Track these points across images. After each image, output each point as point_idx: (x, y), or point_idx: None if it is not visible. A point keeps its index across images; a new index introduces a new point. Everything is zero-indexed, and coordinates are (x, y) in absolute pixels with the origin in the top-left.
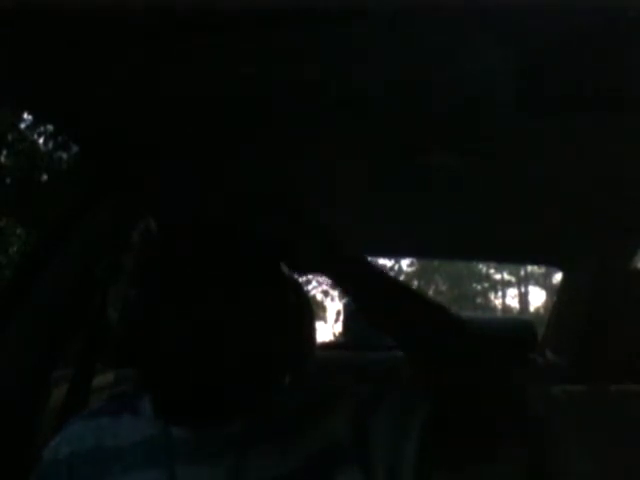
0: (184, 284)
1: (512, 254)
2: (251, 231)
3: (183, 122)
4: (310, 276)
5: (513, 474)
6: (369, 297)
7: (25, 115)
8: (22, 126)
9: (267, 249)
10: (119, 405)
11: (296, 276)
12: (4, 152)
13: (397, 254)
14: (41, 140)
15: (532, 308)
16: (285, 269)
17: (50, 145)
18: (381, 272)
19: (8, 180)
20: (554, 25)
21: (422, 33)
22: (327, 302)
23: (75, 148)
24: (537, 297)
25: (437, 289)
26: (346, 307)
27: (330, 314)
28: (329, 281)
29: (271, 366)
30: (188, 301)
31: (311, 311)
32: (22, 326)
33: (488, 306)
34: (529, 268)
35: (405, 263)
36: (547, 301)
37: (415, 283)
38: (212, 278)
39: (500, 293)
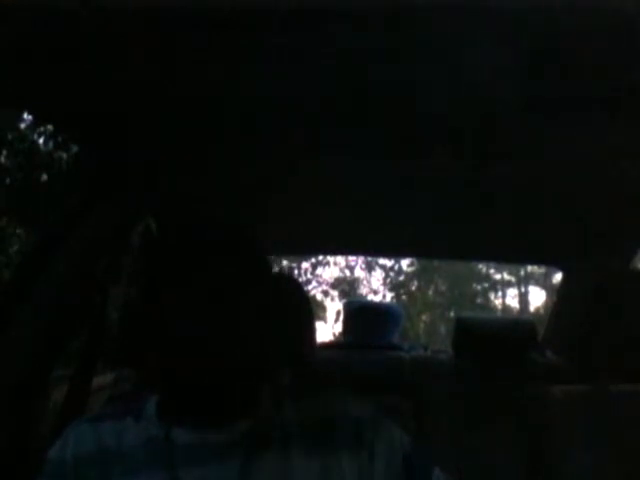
0: (184, 284)
1: (512, 254)
2: (250, 231)
3: (183, 122)
4: (310, 276)
5: (513, 473)
6: None
7: (25, 115)
8: (22, 126)
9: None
10: (122, 409)
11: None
12: (4, 152)
13: (397, 254)
14: (41, 140)
15: (532, 308)
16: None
17: (50, 145)
18: None
19: (8, 180)
20: (554, 25)
21: (422, 33)
22: (327, 302)
23: (75, 148)
24: (537, 297)
25: (437, 289)
26: (346, 307)
27: (330, 314)
28: (329, 281)
29: (271, 365)
30: (188, 301)
31: (311, 311)
32: (22, 326)
33: (488, 306)
34: (529, 268)
35: (405, 263)
36: (547, 301)
37: (415, 283)
38: (212, 278)
39: (500, 293)
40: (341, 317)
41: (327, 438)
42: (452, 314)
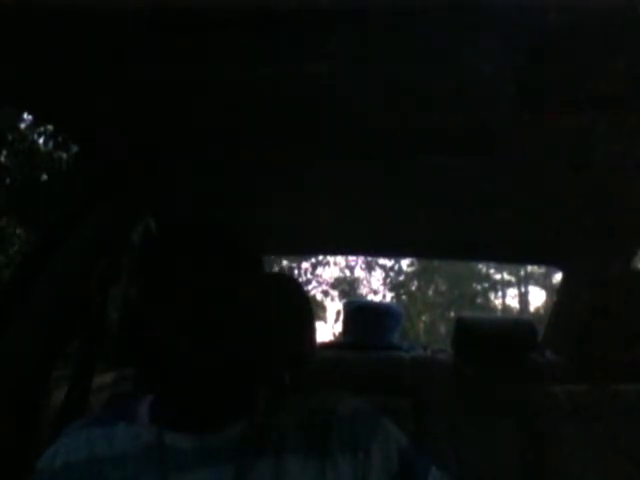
0: (184, 284)
1: (512, 254)
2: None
3: (183, 122)
4: (310, 276)
5: (513, 473)
6: None
7: (25, 115)
8: (22, 126)
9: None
10: (116, 413)
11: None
12: (4, 152)
13: (397, 254)
14: (41, 140)
15: (532, 308)
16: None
17: (50, 145)
18: None
19: (8, 180)
20: (554, 25)
21: (422, 33)
22: (327, 302)
23: (75, 148)
24: (537, 297)
25: (437, 289)
26: (346, 307)
27: (330, 314)
28: (329, 281)
29: (271, 366)
30: (188, 301)
31: (311, 311)
32: (22, 326)
33: (488, 306)
34: (529, 268)
35: (405, 263)
36: (547, 301)
37: (415, 283)
38: (212, 278)
39: (500, 293)
40: (341, 317)
41: (324, 438)
42: (452, 314)
